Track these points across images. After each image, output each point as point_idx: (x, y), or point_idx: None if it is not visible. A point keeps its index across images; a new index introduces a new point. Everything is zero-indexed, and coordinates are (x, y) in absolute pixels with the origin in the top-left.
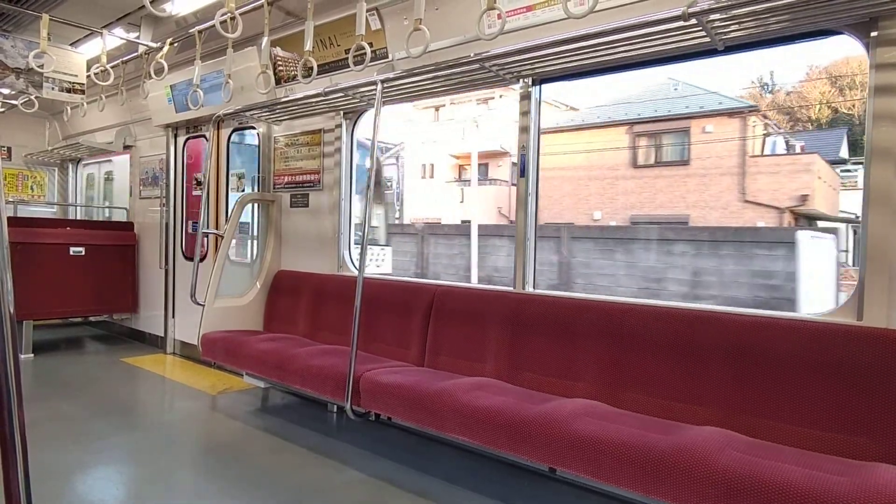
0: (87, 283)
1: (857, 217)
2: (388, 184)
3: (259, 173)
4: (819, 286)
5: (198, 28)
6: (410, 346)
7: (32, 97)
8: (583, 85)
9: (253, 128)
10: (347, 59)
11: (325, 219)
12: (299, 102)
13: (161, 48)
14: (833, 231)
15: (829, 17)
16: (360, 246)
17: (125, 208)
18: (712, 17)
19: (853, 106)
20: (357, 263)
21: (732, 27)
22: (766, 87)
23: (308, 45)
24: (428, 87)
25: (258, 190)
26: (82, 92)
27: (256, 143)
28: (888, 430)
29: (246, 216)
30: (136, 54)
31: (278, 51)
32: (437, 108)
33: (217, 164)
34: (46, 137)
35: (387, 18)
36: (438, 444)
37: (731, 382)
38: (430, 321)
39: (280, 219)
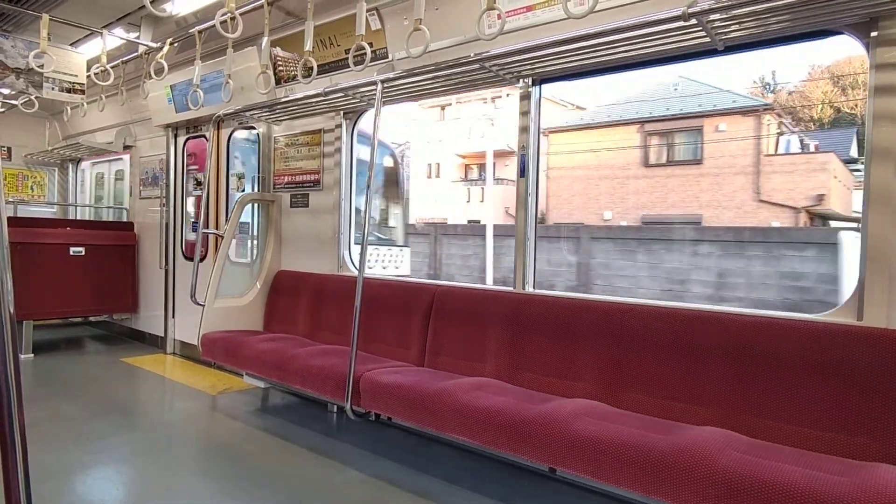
0: (87, 283)
1: None
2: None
3: (259, 173)
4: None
5: (198, 28)
6: (410, 346)
7: (32, 97)
8: (591, 83)
9: (253, 128)
10: (347, 59)
11: (325, 219)
12: (299, 102)
13: (161, 48)
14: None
15: (830, 17)
16: (360, 245)
17: (125, 208)
18: (712, 17)
19: (855, 106)
20: (357, 263)
21: (732, 27)
22: (767, 86)
23: (308, 45)
24: (428, 87)
25: (258, 190)
26: (82, 92)
27: (256, 142)
28: (888, 430)
29: (246, 216)
30: (136, 54)
31: (278, 51)
32: (442, 108)
33: (217, 164)
34: (46, 137)
35: (387, 18)
36: (438, 444)
37: (732, 382)
38: (430, 321)
39: (280, 219)
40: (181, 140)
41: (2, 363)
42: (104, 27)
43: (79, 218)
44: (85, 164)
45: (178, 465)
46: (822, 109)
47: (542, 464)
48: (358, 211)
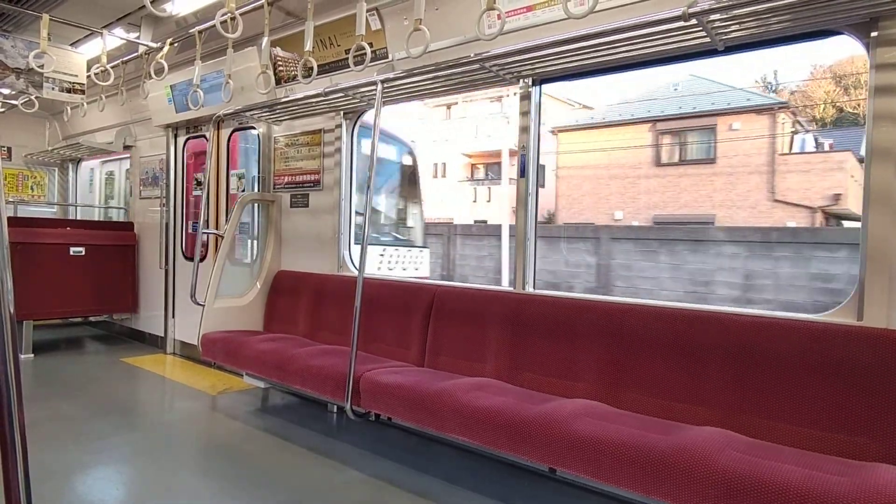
0: (87, 283)
1: None
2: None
3: (259, 173)
4: None
5: (198, 28)
6: (410, 346)
7: (32, 97)
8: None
9: (253, 128)
10: (347, 59)
11: (325, 219)
12: (299, 102)
13: (161, 48)
14: None
15: (830, 17)
16: (360, 245)
17: (124, 208)
18: (712, 17)
19: (857, 105)
20: (357, 263)
21: (733, 27)
22: (769, 86)
23: (308, 46)
24: (428, 87)
25: (258, 190)
26: (82, 92)
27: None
28: (888, 430)
29: (246, 216)
30: (136, 54)
31: (278, 51)
32: (448, 107)
33: (217, 164)
34: (46, 137)
35: (387, 18)
36: (438, 444)
37: (732, 382)
38: (430, 321)
39: (280, 219)
40: (181, 140)
41: (2, 363)
42: (104, 27)
43: (79, 218)
44: (94, 163)
45: (178, 465)
46: (824, 109)
47: (542, 464)
48: (373, 210)
